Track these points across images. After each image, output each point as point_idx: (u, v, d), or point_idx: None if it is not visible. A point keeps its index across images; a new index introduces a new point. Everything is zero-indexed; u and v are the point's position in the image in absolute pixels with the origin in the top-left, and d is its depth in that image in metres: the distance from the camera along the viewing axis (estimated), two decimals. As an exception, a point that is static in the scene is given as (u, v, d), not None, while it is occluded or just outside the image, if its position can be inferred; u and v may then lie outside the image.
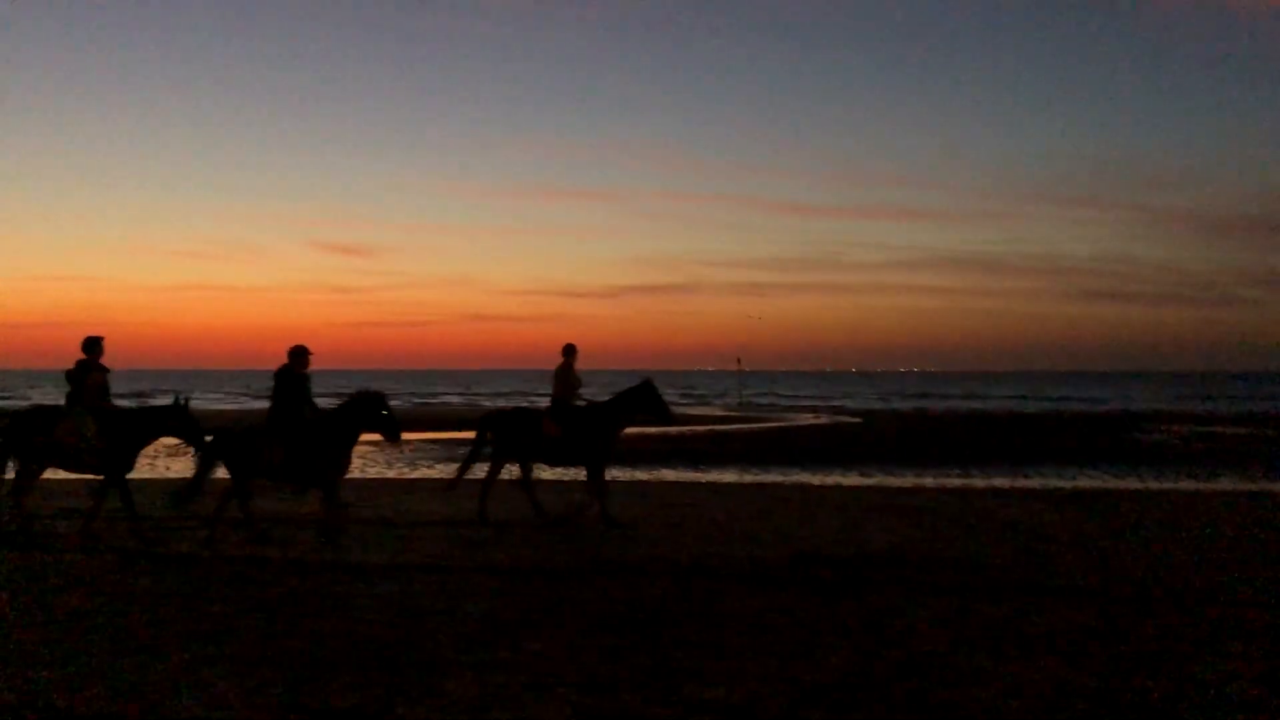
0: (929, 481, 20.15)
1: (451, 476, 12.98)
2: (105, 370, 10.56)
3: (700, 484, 19.12)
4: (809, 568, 9.46)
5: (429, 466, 22.70)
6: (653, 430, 12.23)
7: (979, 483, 20.02)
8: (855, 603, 7.93)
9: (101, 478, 10.46)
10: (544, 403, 14.52)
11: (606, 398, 12.60)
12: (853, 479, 20.90)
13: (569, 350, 12.42)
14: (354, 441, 10.30)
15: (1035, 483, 19.94)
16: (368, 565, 9.25)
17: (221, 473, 10.49)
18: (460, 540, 10.77)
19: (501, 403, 67.49)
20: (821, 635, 6.90)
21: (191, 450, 10.44)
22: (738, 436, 33.72)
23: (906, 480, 20.70)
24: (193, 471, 10.57)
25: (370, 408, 10.30)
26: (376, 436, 10.69)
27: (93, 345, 10.57)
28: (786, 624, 7.19)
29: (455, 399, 72.95)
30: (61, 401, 10.54)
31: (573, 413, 12.14)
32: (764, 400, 74.52)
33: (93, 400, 10.38)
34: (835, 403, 72.21)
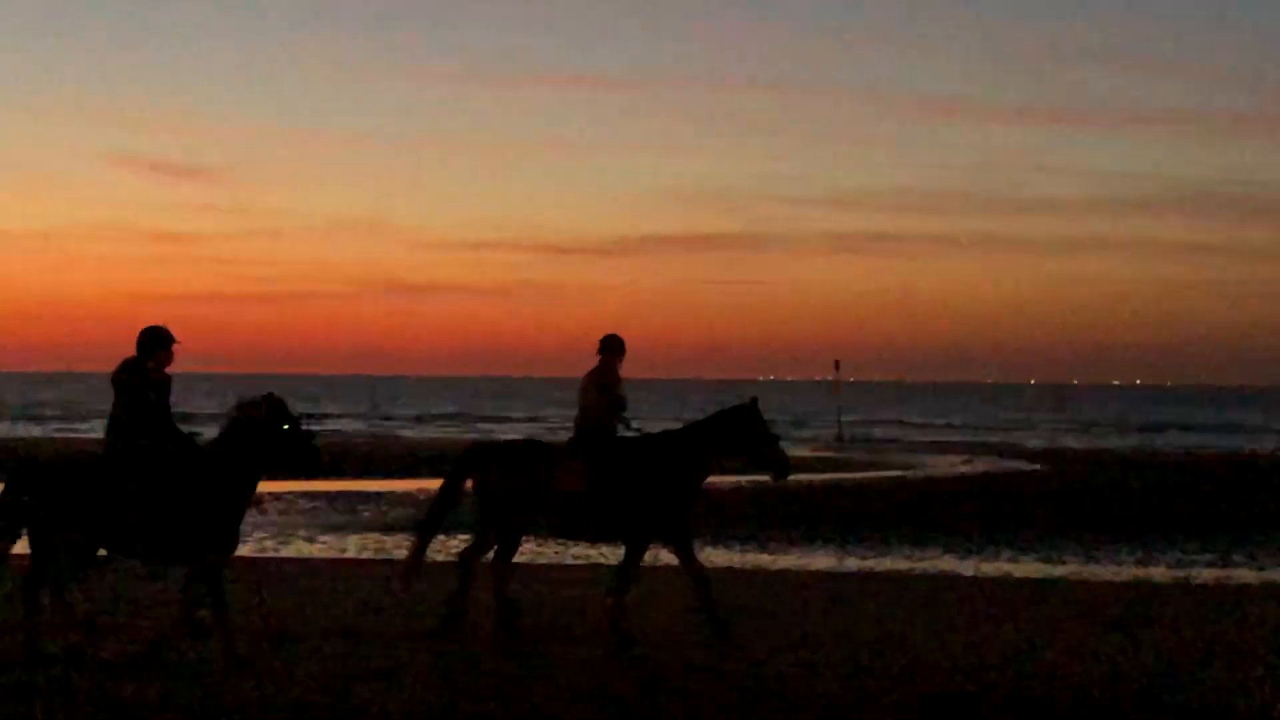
0: (1159, 572, 20.35)
1: (404, 560, 13.08)
2: None
3: (772, 573, 19.21)
4: (954, 713, 9.58)
5: (308, 540, 22.82)
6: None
7: (1246, 574, 20.17)
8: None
9: None
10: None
11: (676, 425, 12.84)
12: (1028, 566, 21.07)
13: (610, 345, 12.73)
14: (251, 490, 10.78)
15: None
16: None
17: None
18: (369, 669, 10.84)
19: (439, 432, 67.76)
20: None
21: None
22: (836, 493, 33.75)
23: (1120, 569, 20.81)
24: None
25: (269, 425, 10.67)
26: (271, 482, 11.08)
27: None
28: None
29: (358, 426, 73.27)
30: None
31: (616, 449, 12.42)
32: (878, 431, 74.77)
33: None
34: (996, 437, 72.17)
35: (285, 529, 24.29)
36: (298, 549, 21.49)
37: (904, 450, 57.79)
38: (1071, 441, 68.76)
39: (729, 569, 19.23)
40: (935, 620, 13.98)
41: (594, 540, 12.56)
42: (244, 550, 20.19)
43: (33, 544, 10.63)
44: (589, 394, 12.64)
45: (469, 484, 12.52)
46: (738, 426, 12.54)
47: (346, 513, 27.43)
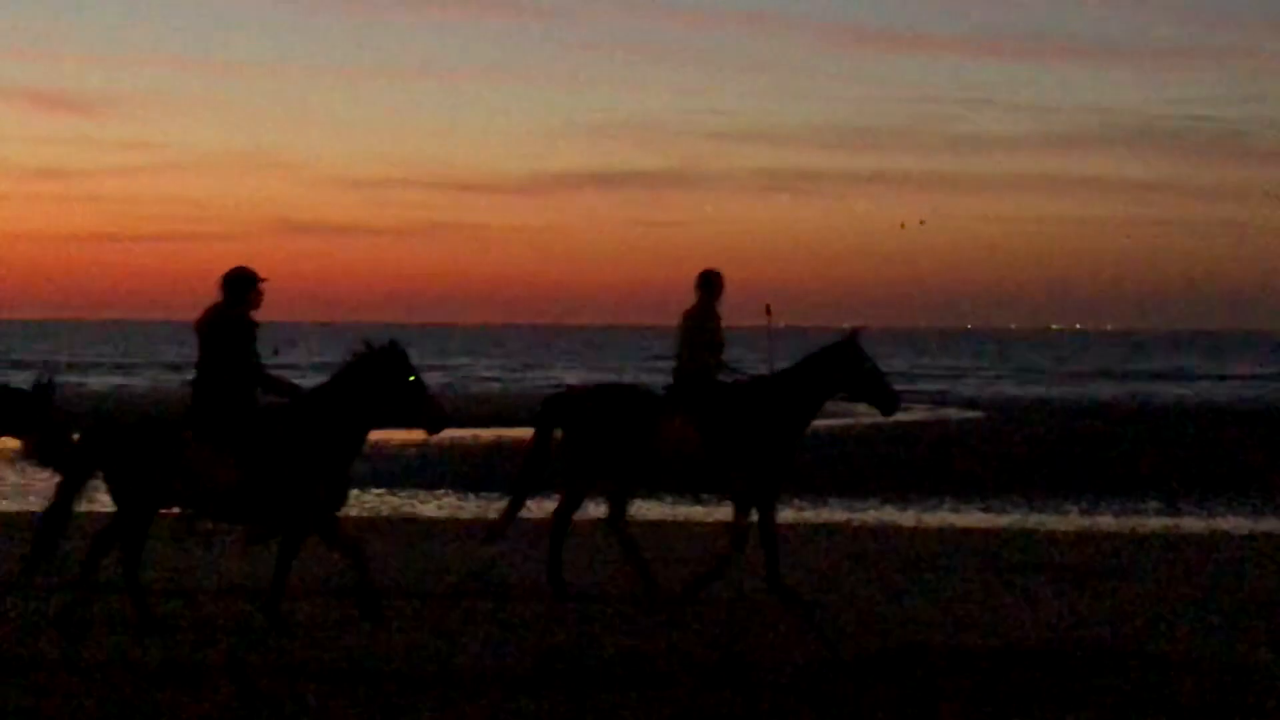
0: (1107, 522, 20.62)
1: (495, 520, 12.98)
2: None
3: (706, 525, 19.15)
4: (912, 669, 9.70)
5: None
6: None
7: (1195, 524, 20.46)
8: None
9: None
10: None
11: (777, 367, 12.78)
12: (971, 517, 21.33)
13: (708, 281, 12.60)
14: (361, 442, 10.80)
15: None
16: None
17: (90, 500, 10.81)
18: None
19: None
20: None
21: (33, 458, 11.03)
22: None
23: (1065, 519, 21.08)
24: (51, 499, 10.87)
25: (388, 373, 10.65)
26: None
27: None
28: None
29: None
30: None
31: (717, 394, 12.34)
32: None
33: None
34: (936, 384, 72.65)
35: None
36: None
37: (839, 399, 57.90)
38: (1011, 389, 69.34)
39: (660, 522, 19.16)
40: (879, 573, 14.10)
41: (701, 493, 12.43)
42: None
43: (120, 510, 10.61)
44: (686, 336, 12.50)
45: (558, 435, 12.35)
46: (842, 364, 12.52)
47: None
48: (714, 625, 11.26)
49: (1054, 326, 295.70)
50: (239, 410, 10.53)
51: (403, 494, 23.18)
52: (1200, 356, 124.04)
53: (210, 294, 10.83)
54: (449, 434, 12.89)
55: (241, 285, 10.73)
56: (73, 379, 68.31)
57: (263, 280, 10.81)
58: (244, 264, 10.87)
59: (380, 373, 10.63)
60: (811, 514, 21.43)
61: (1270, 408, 52.72)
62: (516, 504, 12.46)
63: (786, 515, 21.04)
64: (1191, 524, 20.43)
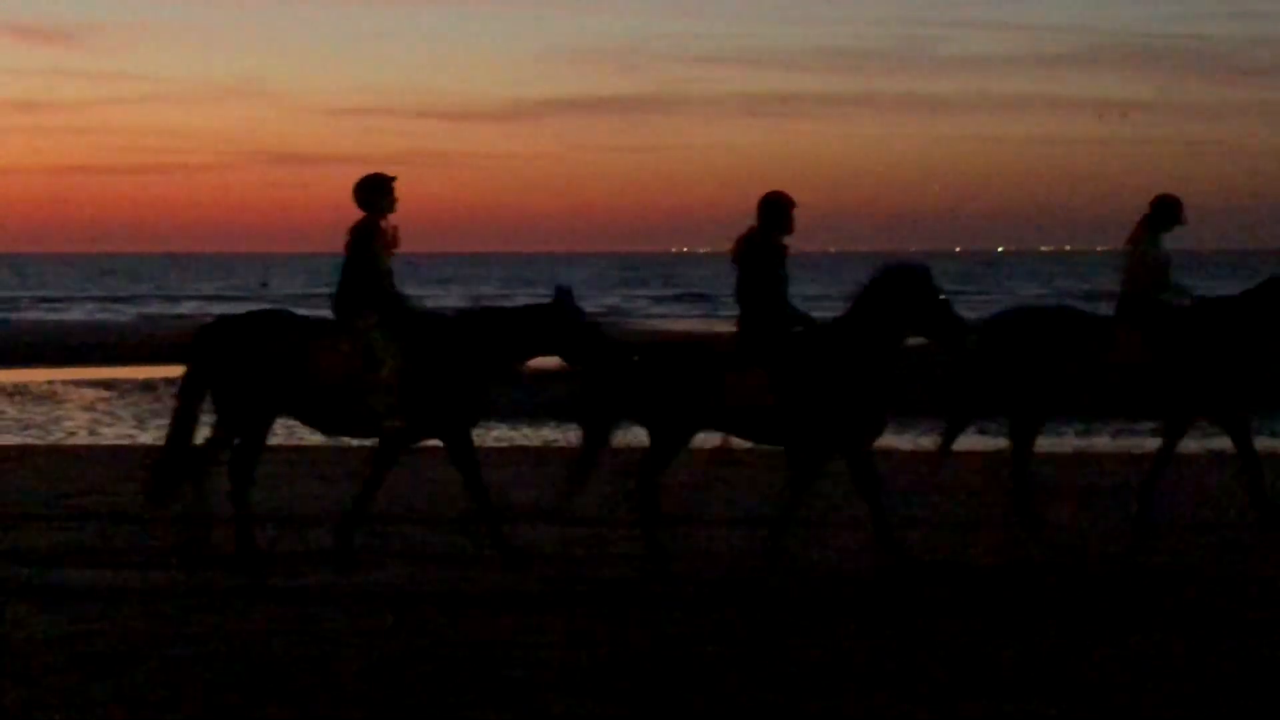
0: (1102, 443, 21.10)
1: (940, 444, 13.37)
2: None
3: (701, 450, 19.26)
4: (918, 584, 10.13)
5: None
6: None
7: (1189, 444, 20.20)
8: (1007, 638, 8.52)
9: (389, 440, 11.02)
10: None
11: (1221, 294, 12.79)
12: (967, 440, 20.34)
13: (1162, 208, 12.63)
14: (893, 363, 11.00)
15: (1281, 443, 20.58)
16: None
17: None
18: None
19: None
20: (951, 695, 7.37)
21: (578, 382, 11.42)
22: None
23: (1061, 440, 21.24)
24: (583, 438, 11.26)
25: (917, 293, 10.81)
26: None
27: (379, 188, 11.20)
28: (894, 677, 7.64)
29: (249, 307, 72.13)
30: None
31: (1172, 318, 12.35)
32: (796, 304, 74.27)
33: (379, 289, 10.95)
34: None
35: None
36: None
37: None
38: (994, 309, 68.83)
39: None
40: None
41: (1153, 418, 12.69)
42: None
43: (654, 435, 10.90)
44: (1129, 262, 12.62)
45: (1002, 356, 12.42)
46: None
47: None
48: (723, 549, 11.59)
49: (1043, 248, 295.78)
50: (776, 333, 10.77)
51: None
52: (1190, 276, 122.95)
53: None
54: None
55: (777, 210, 10.94)
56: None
57: (795, 205, 10.96)
58: (781, 189, 11.01)
59: (910, 292, 10.76)
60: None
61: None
62: (956, 430, 13.05)
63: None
64: (1186, 445, 20.54)
